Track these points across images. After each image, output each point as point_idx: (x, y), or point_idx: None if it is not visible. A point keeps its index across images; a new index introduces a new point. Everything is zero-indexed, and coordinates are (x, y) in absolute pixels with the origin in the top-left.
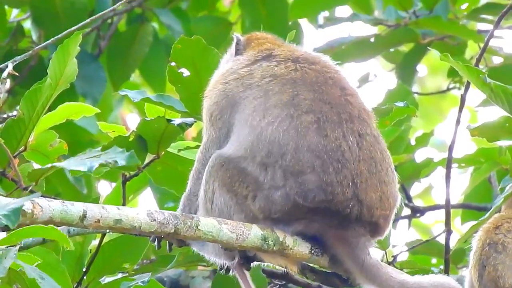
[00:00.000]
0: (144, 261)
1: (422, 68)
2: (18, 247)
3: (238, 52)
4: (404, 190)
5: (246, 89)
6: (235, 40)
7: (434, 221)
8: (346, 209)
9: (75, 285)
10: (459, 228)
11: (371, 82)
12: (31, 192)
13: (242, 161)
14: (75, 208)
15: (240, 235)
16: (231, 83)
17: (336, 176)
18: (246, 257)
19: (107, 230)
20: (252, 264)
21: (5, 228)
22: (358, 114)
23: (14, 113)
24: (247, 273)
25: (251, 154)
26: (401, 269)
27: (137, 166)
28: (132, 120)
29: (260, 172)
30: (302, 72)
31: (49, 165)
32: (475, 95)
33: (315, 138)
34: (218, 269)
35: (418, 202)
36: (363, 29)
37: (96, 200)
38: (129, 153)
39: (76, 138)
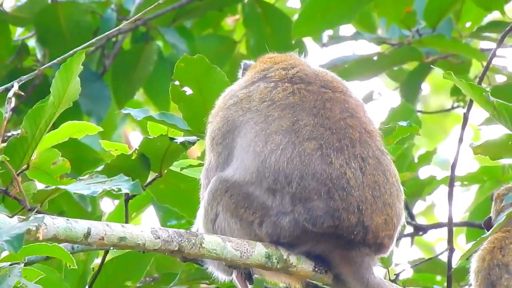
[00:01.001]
0: (147, 278)
1: (425, 87)
2: (22, 264)
3: (242, 76)
4: (407, 208)
5: (246, 112)
6: (242, 67)
7: (437, 239)
8: (351, 234)
9: None
10: (462, 246)
11: (375, 100)
12: (37, 212)
13: (249, 186)
14: (80, 226)
15: (244, 252)
16: (231, 108)
17: (342, 203)
18: (248, 272)
19: (111, 248)
20: (253, 277)
21: None
22: (359, 136)
23: (19, 131)
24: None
25: (258, 179)
26: (403, 287)
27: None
28: (135, 138)
29: (268, 197)
30: (300, 95)
31: (53, 187)
32: (478, 113)
33: (319, 166)
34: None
35: (421, 220)
36: (366, 47)
37: (99, 218)
38: (134, 182)
39: (80, 155)
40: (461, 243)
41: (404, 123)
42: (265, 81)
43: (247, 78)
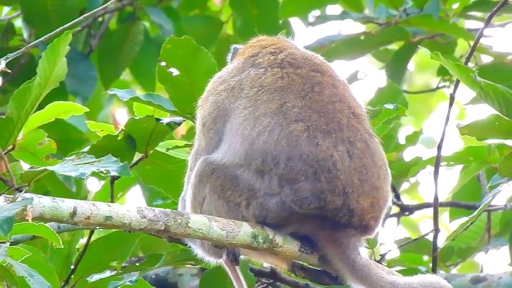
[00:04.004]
0: (132, 258)
1: (410, 65)
2: (8, 244)
3: (231, 61)
4: (393, 189)
5: (237, 99)
6: (231, 51)
7: (421, 216)
8: (336, 217)
9: (62, 284)
10: (446, 223)
11: (360, 80)
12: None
13: (237, 168)
14: (66, 205)
15: (230, 232)
16: (222, 94)
17: (327, 185)
18: (234, 253)
19: (97, 227)
20: (240, 258)
21: None
22: (347, 121)
23: (4, 112)
24: (237, 269)
25: (246, 161)
26: (389, 267)
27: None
28: (121, 116)
29: (257, 179)
30: (289, 79)
31: (41, 168)
32: (464, 91)
33: (306, 147)
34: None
35: (405, 198)
36: (353, 27)
37: (84, 198)
38: (122, 164)
39: (66, 136)
40: (445, 221)
41: (390, 106)
42: (255, 67)
43: (237, 64)
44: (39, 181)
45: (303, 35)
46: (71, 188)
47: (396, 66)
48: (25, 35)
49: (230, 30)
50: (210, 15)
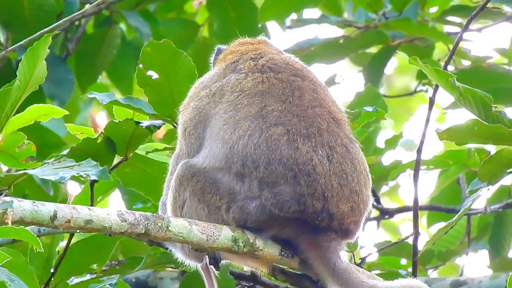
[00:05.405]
0: (113, 262)
1: (389, 67)
2: None
3: (214, 63)
4: (374, 194)
5: (218, 104)
6: (215, 51)
7: (401, 219)
8: (316, 220)
9: (42, 287)
10: (426, 226)
11: (338, 84)
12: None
13: (217, 172)
14: (46, 208)
15: (211, 236)
16: (203, 100)
17: (307, 189)
18: (214, 257)
19: (78, 230)
20: (221, 263)
21: None
22: (327, 126)
23: None
24: (213, 274)
25: (227, 165)
26: (369, 271)
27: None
28: (102, 120)
29: (236, 183)
30: (269, 83)
31: (21, 171)
32: (444, 94)
33: (286, 151)
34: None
35: (385, 201)
36: (330, 31)
37: (64, 201)
38: (102, 168)
39: (44, 140)
40: (425, 223)
41: (370, 109)
42: (236, 73)
43: (218, 70)
44: (17, 184)
45: (280, 38)
46: (49, 191)
47: (373, 70)
48: (2, 39)
49: (207, 33)
50: (187, 18)
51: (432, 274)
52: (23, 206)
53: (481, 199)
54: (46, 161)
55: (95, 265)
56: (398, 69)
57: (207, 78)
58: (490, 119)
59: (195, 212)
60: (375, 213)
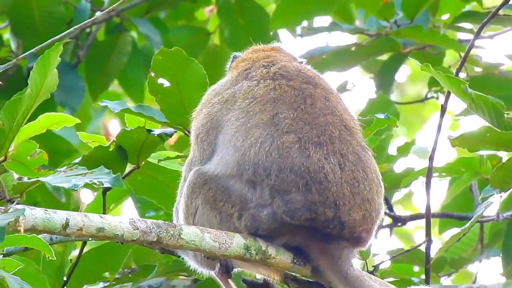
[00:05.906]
0: (125, 270)
1: (402, 75)
2: (1, 256)
3: (229, 69)
4: (386, 201)
5: (230, 111)
6: (231, 59)
7: (415, 227)
8: (327, 228)
9: None
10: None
11: (349, 91)
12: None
13: (229, 179)
14: (58, 216)
15: (223, 244)
16: (215, 106)
17: (319, 196)
18: (226, 265)
19: (90, 238)
20: (233, 271)
21: None
22: (339, 134)
23: None
24: (231, 282)
25: (238, 172)
26: (382, 278)
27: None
28: (114, 128)
29: (248, 190)
30: (281, 91)
31: (33, 179)
32: (456, 101)
33: (297, 159)
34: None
35: (398, 208)
36: (341, 38)
37: (76, 209)
38: (115, 176)
39: (56, 148)
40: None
41: (382, 116)
42: (248, 80)
43: (231, 78)
44: (28, 192)
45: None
46: (61, 198)
47: (384, 76)
48: (13, 46)
49: (217, 41)
50: (197, 25)
51: (445, 281)
52: (35, 214)
53: (494, 205)
54: (58, 170)
55: (107, 273)
56: (411, 77)
57: (220, 85)
58: (502, 125)
59: (207, 219)
60: (388, 220)
